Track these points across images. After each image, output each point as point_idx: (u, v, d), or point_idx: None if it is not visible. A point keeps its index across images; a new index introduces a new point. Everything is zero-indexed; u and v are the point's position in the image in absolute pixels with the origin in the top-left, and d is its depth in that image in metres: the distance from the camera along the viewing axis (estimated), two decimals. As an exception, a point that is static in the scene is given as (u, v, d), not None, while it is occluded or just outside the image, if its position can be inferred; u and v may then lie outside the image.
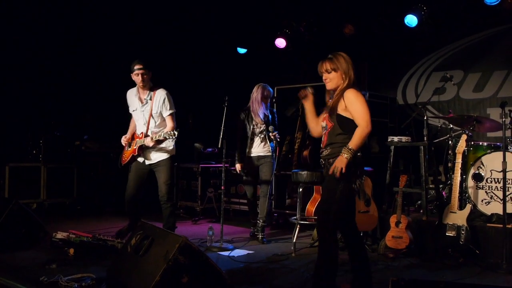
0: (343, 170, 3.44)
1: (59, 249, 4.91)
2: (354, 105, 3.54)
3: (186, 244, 3.24)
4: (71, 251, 4.81)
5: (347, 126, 3.58)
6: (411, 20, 7.16)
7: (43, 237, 5.38)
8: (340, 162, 3.47)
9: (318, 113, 3.91)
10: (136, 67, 5.13)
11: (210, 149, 8.24)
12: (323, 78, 3.70)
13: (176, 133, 4.87)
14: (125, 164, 5.38)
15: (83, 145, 8.50)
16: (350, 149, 3.47)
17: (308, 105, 3.88)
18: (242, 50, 9.01)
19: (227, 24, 8.38)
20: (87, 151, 8.43)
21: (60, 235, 5.01)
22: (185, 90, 9.10)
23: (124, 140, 5.42)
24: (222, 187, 5.80)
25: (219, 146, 5.54)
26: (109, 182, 8.40)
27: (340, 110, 3.59)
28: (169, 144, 5.24)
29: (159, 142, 5.11)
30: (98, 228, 6.33)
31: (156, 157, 5.25)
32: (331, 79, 3.66)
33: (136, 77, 5.16)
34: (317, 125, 3.86)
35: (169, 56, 9.05)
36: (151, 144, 5.09)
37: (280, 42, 8.37)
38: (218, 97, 6.04)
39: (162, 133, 4.98)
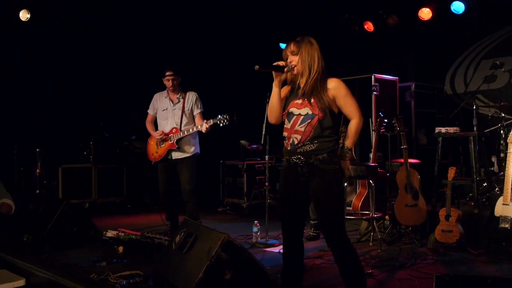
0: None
1: (109, 247, 5.03)
2: (347, 97, 3.21)
3: (228, 241, 3.24)
4: (121, 248, 4.92)
5: (334, 119, 3.23)
6: (457, 7, 6.95)
7: (94, 235, 5.53)
8: (348, 165, 3.29)
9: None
10: (167, 73, 5.54)
11: (255, 146, 8.23)
12: (288, 60, 3.26)
13: (227, 116, 5.19)
14: (161, 159, 5.63)
15: (131, 145, 8.68)
16: (350, 150, 3.28)
17: (280, 85, 3.32)
18: (284, 46, 9.00)
19: (269, 21, 8.35)
20: (135, 151, 8.60)
21: (110, 233, 5.14)
22: (229, 88, 9.16)
23: (162, 134, 5.59)
24: (266, 183, 5.80)
25: (262, 142, 5.55)
26: (157, 180, 8.53)
27: (329, 102, 3.17)
28: (193, 142, 5.58)
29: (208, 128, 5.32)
30: (147, 226, 6.46)
31: (181, 153, 5.55)
32: (297, 62, 3.24)
33: (167, 82, 5.58)
34: (281, 110, 3.32)
35: (213, 54, 9.11)
36: (205, 129, 5.28)
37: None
38: (262, 93, 6.03)
39: (212, 119, 5.27)
